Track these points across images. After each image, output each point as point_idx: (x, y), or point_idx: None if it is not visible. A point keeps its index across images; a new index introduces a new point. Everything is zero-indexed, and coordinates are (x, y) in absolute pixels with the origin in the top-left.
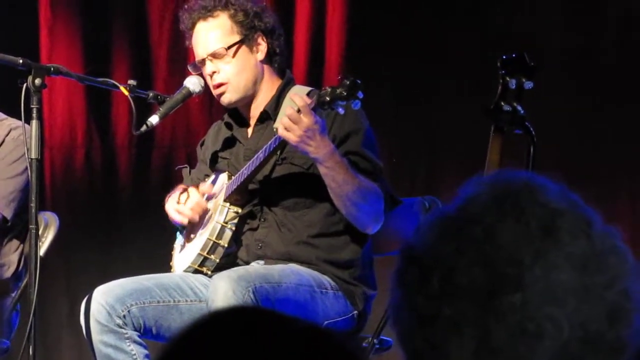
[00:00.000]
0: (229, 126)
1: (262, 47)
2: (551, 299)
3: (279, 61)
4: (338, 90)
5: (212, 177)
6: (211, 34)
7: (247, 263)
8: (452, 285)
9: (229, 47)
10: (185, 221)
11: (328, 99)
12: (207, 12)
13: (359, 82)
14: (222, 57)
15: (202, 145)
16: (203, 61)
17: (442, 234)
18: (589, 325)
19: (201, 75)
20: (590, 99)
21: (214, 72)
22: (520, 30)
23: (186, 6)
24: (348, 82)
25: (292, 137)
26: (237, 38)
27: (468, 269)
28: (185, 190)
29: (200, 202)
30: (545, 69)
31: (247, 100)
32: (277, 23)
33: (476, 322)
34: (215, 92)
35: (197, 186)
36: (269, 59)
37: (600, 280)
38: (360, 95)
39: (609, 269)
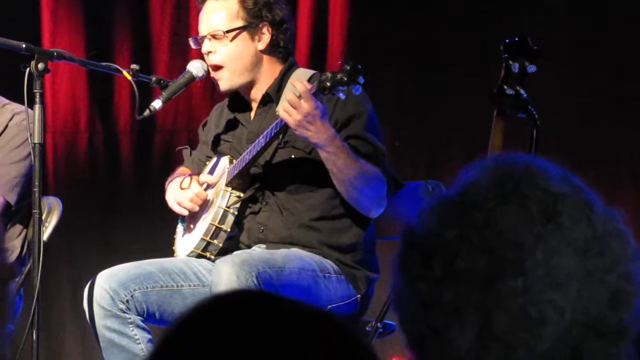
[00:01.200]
0: (231, 108)
1: (266, 37)
2: (553, 284)
3: (283, 53)
4: (339, 76)
5: (214, 160)
6: (216, 14)
7: (249, 247)
8: (453, 270)
9: (228, 31)
10: (185, 212)
11: (329, 84)
12: None
13: (359, 67)
14: (220, 39)
15: (204, 126)
16: (202, 38)
17: (443, 218)
18: (590, 309)
19: (200, 51)
20: (593, 82)
21: (209, 52)
22: (525, 14)
23: None
24: (349, 67)
25: (291, 121)
26: (240, 23)
27: (469, 253)
28: (187, 176)
29: (200, 193)
30: (548, 52)
31: (246, 85)
32: (289, 17)
33: (478, 307)
34: (212, 75)
35: (197, 174)
36: (270, 49)
37: (601, 264)
38: (361, 80)
39: (610, 253)
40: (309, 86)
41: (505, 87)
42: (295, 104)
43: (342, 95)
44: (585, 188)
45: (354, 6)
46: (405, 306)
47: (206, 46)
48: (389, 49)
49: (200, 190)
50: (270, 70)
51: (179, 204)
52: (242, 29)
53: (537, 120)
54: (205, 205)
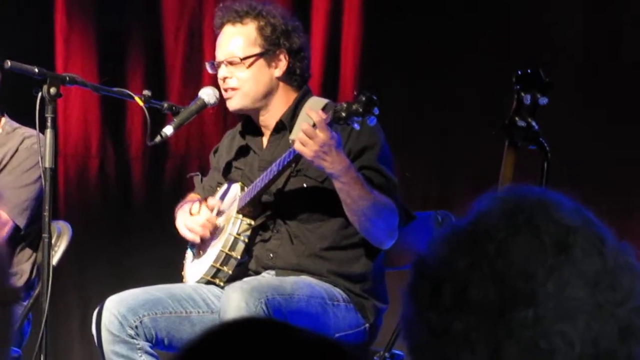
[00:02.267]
0: (243, 135)
1: (282, 64)
2: (563, 316)
3: (298, 81)
4: (354, 106)
5: (225, 186)
6: (233, 40)
7: (257, 273)
8: (464, 300)
9: (245, 58)
10: (196, 239)
11: (344, 114)
12: (237, 17)
13: (374, 98)
14: (237, 65)
15: (215, 152)
16: (219, 64)
17: (454, 248)
18: (600, 342)
19: (213, 77)
20: (604, 115)
21: (225, 77)
22: (536, 46)
23: (222, 5)
24: (364, 98)
25: (307, 151)
26: (257, 50)
27: (480, 283)
28: (196, 202)
29: (211, 219)
30: (559, 85)
31: (255, 110)
32: (306, 45)
33: (488, 337)
34: (224, 95)
35: (206, 200)
36: (287, 77)
37: (612, 298)
38: (376, 111)
39: (621, 287)
40: (324, 116)
41: (516, 118)
42: (311, 134)
43: (356, 126)
44: (597, 221)
45: (367, 34)
46: (415, 335)
47: (223, 72)
48: (401, 78)
49: (211, 215)
50: (284, 97)
51: (190, 230)
52: (259, 55)
53: (548, 152)
54: (215, 231)
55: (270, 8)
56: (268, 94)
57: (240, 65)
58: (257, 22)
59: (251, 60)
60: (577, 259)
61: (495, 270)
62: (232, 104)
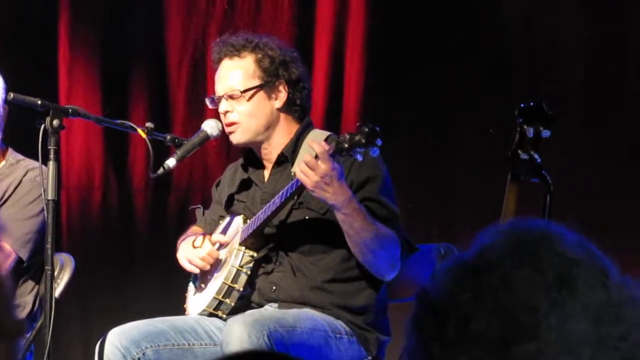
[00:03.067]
0: (245, 168)
1: (282, 95)
2: (566, 349)
3: (299, 112)
4: (357, 137)
5: (227, 219)
6: (232, 74)
7: (260, 305)
8: (467, 332)
9: (245, 91)
10: (196, 270)
11: (346, 145)
12: (235, 50)
13: (377, 129)
14: (237, 98)
15: (217, 185)
16: (220, 98)
17: (458, 281)
18: None
19: (216, 110)
20: (607, 148)
21: (227, 112)
22: (539, 77)
23: (218, 39)
24: (367, 129)
25: (309, 182)
26: (256, 82)
27: (484, 317)
28: (199, 235)
29: (212, 252)
30: (562, 117)
31: (258, 143)
32: (305, 75)
33: None
34: (226, 129)
35: (210, 234)
36: (287, 107)
37: (615, 331)
38: (379, 142)
39: (624, 320)
40: (326, 147)
41: (519, 151)
42: (313, 165)
43: (359, 157)
44: (601, 255)
45: (369, 67)
46: None
47: (223, 106)
48: (403, 109)
49: (212, 249)
50: (286, 129)
51: (190, 262)
52: (258, 87)
53: (550, 185)
54: (218, 264)
55: (267, 40)
56: (270, 126)
57: (240, 98)
58: (255, 55)
59: (251, 92)
60: (580, 293)
61: (499, 303)
62: (235, 139)
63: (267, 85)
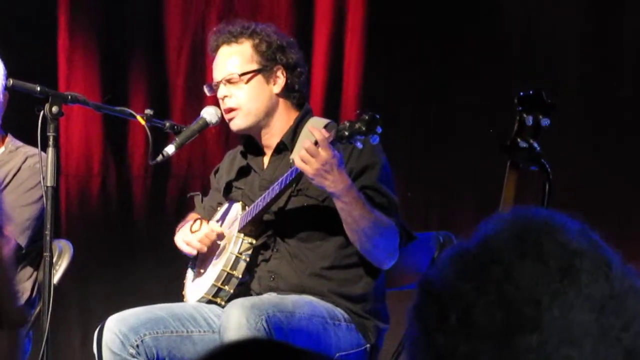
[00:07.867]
0: (244, 155)
1: (281, 80)
2: (568, 340)
3: (297, 97)
4: (357, 125)
5: (225, 206)
6: (230, 60)
7: (260, 294)
8: (469, 323)
9: (243, 74)
10: (193, 252)
11: (347, 133)
12: (232, 37)
13: (377, 116)
14: (236, 83)
15: (216, 172)
16: (218, 84)
17: (461, 270)
18: None
19: (215, 97)
20: (606, 135)
21: (225, 97)
22: (538, 67)
23: (215, 28)
24: (367, 117)
25: (309, 169)
26: (254, 67)
27: (486, 307)
28: (197, 220)
29: (209, 234)
30: (562, 105)
31: (258, 129)
32: (302, 61)
33: None
34: (226, 117)
35: (207, 219)
36: (286, 93)
37: (617, 322)
38: (379, 130)
39: (626, 311)
40: (326, 134)
41: (518, 140)
42: (313, 152)
43: (359, 145)
44: (604, 245)
45: (369, 54)
46: (420, 356)
47: (222, 91)
48: (403, 97)
49: (209, 231)
50: (285, 116)
51: (187, 244)
52: (256, 72)
53: (549, 173)
54: (216, 250)
55: (264, 26)
56: (269, 112)
57: (239, 82)
58: (252, 40)
59: (249, 76)
60: (583, 283)
61: (502, 294)
62: (235, 125)
63: (265, 70)
